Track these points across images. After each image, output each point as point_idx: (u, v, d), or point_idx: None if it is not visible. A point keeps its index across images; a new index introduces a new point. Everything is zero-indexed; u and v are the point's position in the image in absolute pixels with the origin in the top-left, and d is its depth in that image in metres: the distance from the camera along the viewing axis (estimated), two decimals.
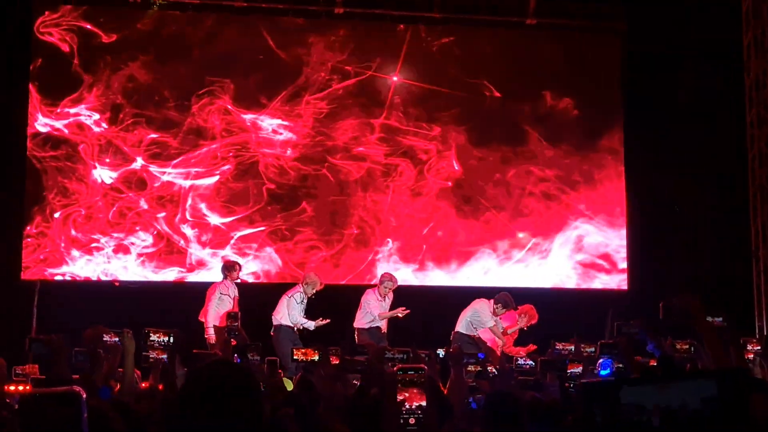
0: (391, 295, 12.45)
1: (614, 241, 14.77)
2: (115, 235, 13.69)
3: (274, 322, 11.98)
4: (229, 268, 12.31)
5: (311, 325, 11.91)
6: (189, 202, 13.93)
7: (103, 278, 13.61)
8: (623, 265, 14.72)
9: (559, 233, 14.69)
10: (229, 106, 14.11)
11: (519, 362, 8.95)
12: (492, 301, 12.23)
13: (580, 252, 14.70)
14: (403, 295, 12.66)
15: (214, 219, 13.97)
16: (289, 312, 11.91)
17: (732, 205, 14.51)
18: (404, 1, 14.57)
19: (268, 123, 14.21)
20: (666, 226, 14.67)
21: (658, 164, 14.66)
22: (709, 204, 14.53)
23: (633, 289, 14.50)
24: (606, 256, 14.73)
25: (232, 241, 13.95)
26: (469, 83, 14.73)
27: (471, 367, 8.16)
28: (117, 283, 13.65)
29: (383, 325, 12.29)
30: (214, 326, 11.72)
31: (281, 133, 14.23)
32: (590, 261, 14.71)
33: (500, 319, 12.28)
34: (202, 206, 13.96)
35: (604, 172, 14.89)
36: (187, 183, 13.95)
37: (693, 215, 14.55)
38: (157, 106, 13.99)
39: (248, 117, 14.17)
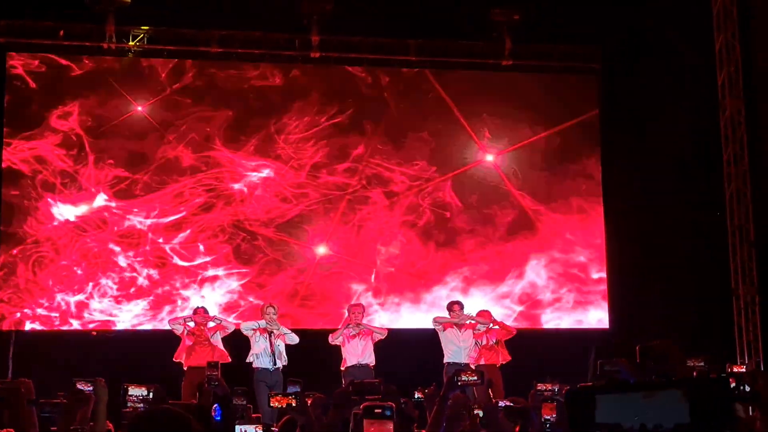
0: (360, 321, 12.21)
1: (594, 280, 14.74)
2: (127, 309, 13.61)
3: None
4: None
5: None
6: (197, 270, 13.90)
7: (74, 322, 13.44)
8: (604, 304, 14.70)
9: (539, 273, 14.67)
10: (215, 180, 14.07)
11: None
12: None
13: (561, 292, 14.66)
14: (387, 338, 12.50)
15: (185, 260, 13.89)
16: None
17: (711, 243, 14.49)
18: (380, 44, 14.63)
19: (242, 168, 14.18)
20: (646, 264, 14.62)
21: (637, 203, 14.68)
22: (689, 242, 14.50)
23: (615, 327, 14.46)
24: (586, 294, 14.70)
25: (208, 284, 13.88)
26: (446, 126, 14.77)
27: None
28: (94, 333, 13.49)
29: (371, 361, 12.04)
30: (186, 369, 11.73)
31: (268, 196, 14.17)
32: (572, 300, 14.67)
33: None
34: (176, 245, 13.87)
35: (582, 211, 14.90)
36: (148, 222, 13.83)
37: (672, 253, 14.51)
38: (157, 179, 13.94)
39: (238, 185, 14.14)
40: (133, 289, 13.66)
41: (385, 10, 14.04)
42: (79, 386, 6.10)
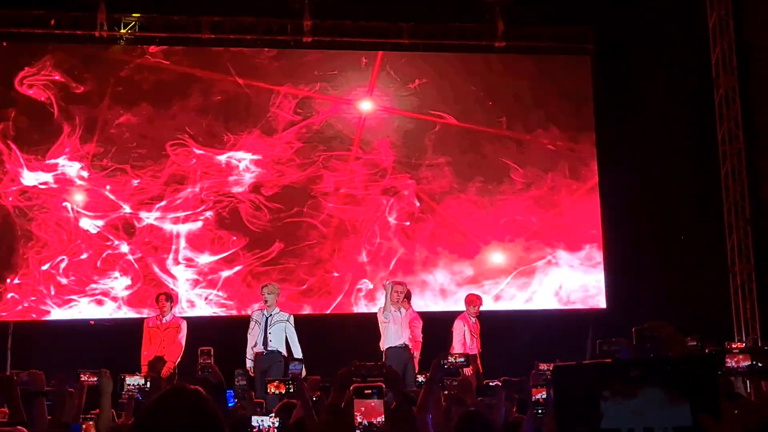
0: (405, 302, 11.98)
1: (591, 260, 14.75)
2: (102, 282, 13.51)
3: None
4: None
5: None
6: (178, 245, 13.77)
7: (53, 304, 13.39)
8: (601, 284, 14.72)
9: (537, 260, 14.66)
10: (197, 150, 13.95)
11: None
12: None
13: (558, 274, 14.68)
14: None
15: (202, 259, 13.82)
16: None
17: (707, 221, 14.49)
18: (372, 28, 14.59)
19: (242, 161, 14.08)
20: (642, 243, 14.64)
21: (632, 182, 14.67)
22: (684, 220, 14.51)
23: (611, 307, 14.47)
24: (584, 275, 14.71)
25: (220, 282, 13.82)
26: (439, 110, 14.73)
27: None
28: (92, 323, 13.47)
29: (409, 341, 11.81)
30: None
31: (254, 171, 14.10)
32: (570, 281, 14.68)
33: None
34: (188, 250, 13.80)
35: (578, 191, 14.90)
36: (172, 227, 13.79)
37: (669, 232, 14.52)
38: (135, 152, 13.83)
39: (222, 157, 14.05)
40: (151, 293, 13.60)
41: None
42: (83, 377, 6.11)
